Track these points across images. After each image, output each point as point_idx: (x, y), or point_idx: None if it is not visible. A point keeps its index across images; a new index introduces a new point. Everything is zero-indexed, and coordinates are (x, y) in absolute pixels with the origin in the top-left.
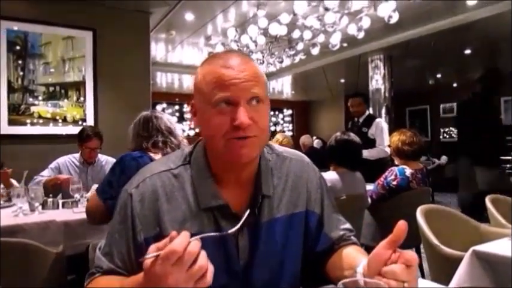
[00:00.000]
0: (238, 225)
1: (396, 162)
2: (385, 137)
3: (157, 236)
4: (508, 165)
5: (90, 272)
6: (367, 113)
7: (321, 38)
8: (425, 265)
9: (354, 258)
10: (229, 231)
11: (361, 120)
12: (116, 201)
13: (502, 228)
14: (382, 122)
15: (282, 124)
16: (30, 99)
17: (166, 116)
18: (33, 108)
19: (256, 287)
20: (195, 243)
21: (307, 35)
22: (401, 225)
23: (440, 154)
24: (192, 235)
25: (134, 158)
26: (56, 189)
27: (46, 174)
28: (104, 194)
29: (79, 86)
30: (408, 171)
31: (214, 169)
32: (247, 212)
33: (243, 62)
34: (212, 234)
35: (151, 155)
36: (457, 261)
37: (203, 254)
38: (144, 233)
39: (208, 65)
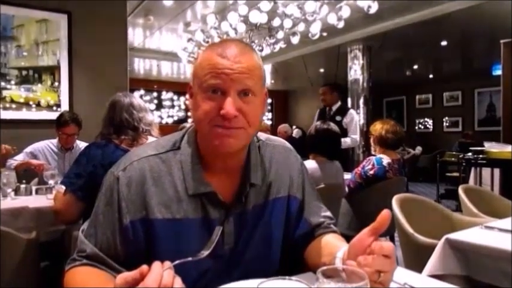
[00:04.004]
0: (207, 252)
1: (374, 152)
2: (357, 127)
3: (143, 218)
4: None
5: (72, 257)
6: (339, 103)
7: (301, 27)
8: (399, 253)
9: (334, 245)
10: (202, 254)
11: (333, 109)
12: (84, 192)
13: (474, 217)
14: (354, 113)
15: None
16: (3, 83)
17: (129, 102)
18: (5, 92)
19: (239, 270)
20: (168, 274)
21: (288, 23)
22: (385, 213)
23: (415, 144)
24: (178, 220)
25: (99, 146)
26: (29, 175)
27: (20, 158)
28: (72, 186)
29: (53, 70)
30: (385, 161)
31: (204, 155)
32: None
33: (240, 53)
34: (189, 259)
35: (117, 142)
36: (430, 249)
37: (178, 282)
38: (130, 216)
39: (207, 51)
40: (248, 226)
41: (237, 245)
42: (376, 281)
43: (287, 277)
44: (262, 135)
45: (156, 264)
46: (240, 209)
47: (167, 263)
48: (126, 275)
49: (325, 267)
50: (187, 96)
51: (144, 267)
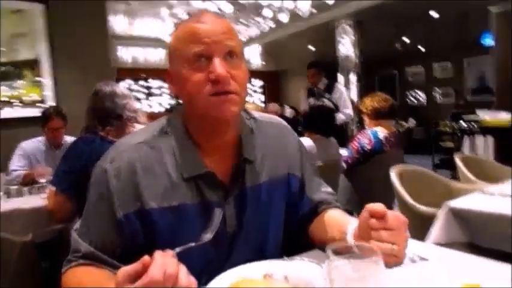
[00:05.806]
0: (211, 236)
1: (366, 126)
2: (347, 101)
3: (138, 210)
4: None
5: (67, 258)
6: (325, 80)
7: (290, 5)
8: None
9: (341, 220)
10: (205, 238)
11: (321, 87)
12: (75, 189)
13: (472, 184)
14: (342, 87)
15: (253, 95)
16: None
17: (111, 90)
18: None
19: (244, 253)
20: (172, 262)
21: (276, 2)
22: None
23: (407, 117)
24: (175, 207)
25: (85, 141)
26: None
27: (19, 164)
28: (62, 185)
29: (33, 64)
30: (381, 134)
31: (195, 136)
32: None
33: (216, 18)
34: (191, 245)
35: (103, 134)
36: (431, 217)
37: (183, 270)
38: (122, 210)
39: (182, 24)
40: (249, 207)
41: (240, 227)
42: (390, 253)
43: (297, 257)
44: (256, 113)
45: (159, 254)
46: (239, 189)
47: (169, 252)
48: (128, 268)
49: (335, 244)
50: (168, 84)
51: (146, 258)
